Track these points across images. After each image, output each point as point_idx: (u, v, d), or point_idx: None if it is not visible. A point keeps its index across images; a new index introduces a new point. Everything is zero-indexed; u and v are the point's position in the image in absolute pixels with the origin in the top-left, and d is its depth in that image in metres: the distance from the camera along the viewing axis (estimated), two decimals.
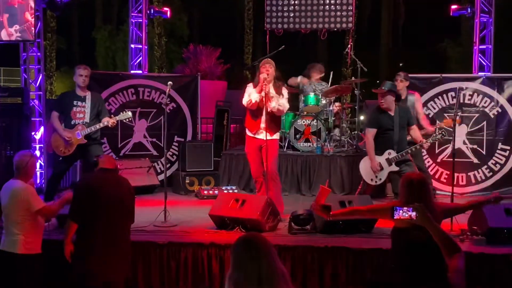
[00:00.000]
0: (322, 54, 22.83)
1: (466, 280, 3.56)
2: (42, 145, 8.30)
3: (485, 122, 8.06)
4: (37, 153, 8.16)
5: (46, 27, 18.96)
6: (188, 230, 5.71)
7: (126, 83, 8.69)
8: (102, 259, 4.20)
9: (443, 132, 6.60)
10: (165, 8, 10.62)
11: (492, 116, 8.06)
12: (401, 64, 22.18)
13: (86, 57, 22.44)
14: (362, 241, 5.26)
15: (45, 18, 17.87)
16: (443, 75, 8.40)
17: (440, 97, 8.17)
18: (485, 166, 8.08)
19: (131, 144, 8.66)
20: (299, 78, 9.02)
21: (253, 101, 6.28)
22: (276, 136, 6.51)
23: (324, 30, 10.13)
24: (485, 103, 8.08)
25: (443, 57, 21.76)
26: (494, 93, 8.06)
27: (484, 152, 8.07)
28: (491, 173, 8.08)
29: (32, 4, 7.86)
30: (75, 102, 6.65)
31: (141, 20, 9.32)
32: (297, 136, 8.41)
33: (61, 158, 6.68)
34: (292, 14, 10.02)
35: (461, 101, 7.99)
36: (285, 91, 6.47)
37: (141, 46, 9.37)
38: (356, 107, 9.19)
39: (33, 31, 7.90)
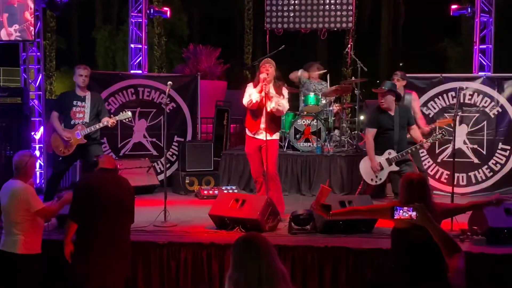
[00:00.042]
0: (322, 54, 22.83)
1: (466, 280, 3.56)
2: (41, 145, 8.29)
3: (485, 122, 8.05)
4: (37, 153, 8.15)
5: (46, 27, 18.98)
6: (188, 230, 5.71)
7: (126, 83, 8.67)
8: (102, 259, 4.20)
9: (443, 132, 6.59)
10: (165, 8, 10.62)
11: (493, 116, 8.05)
12: (401, 64, 22.19)
13: (86, 57, 22.44)
14: (362, 241, 5.26)
15: (45, 18, 17.89)
16: (443, 75, 8.38)
17: (440, 97, 8.16)
18: (486, 166, 8.07)
19: (131, 144, 8.65)
20: (300, 72, 9.02)
21: (254, 101, 6.28)
22: (276, 136, 6.51)
23: (324, 30, 10.12)
24: (485, 103, 8.07)
25: (443, 57, 21.77)
26: (494, 93, 8.05)
27: (484, 152, 8.05)
28: (491, 173, 8.06)
29: (31, 4, 7.85)
30: (74, 102, 6.64)
31: (141, 20, 9.31)
32: (297, 136, 8.40)
33: (60, 158, 6.68)
34: (292, 14, 10.01)
35: (461, 101, 7.98)
36: (285, 91, 6.47)
37: (141, 46, 9.36)
38: (356, 107, 9.19)
39: (33, 31, 7.89)
